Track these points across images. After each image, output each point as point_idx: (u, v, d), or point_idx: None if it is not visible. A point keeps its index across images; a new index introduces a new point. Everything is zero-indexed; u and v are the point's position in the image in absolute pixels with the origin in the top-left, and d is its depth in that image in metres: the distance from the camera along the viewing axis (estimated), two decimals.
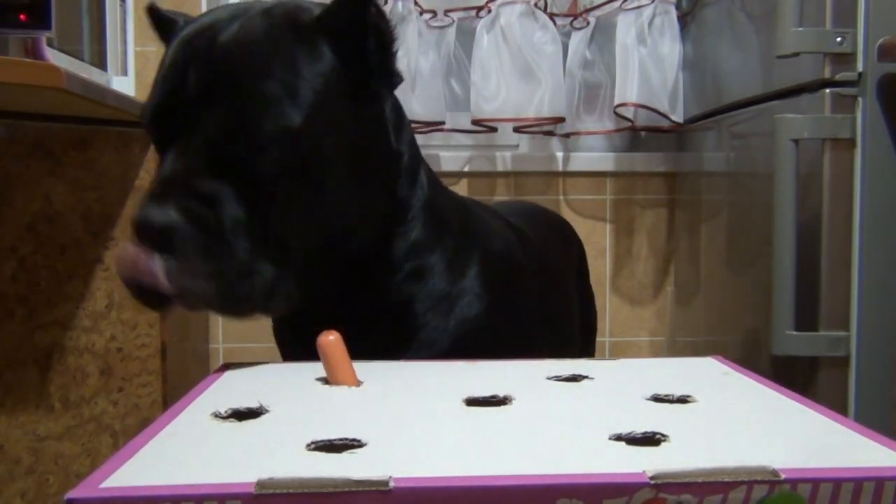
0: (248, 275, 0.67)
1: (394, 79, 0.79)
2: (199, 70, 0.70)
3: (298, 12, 0.75)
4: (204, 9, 1.85)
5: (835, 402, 1.12)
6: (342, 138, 0.74)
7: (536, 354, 0.80)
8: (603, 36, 1.89)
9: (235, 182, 0.68)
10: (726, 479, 0.38)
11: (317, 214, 0.73)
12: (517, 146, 2.01)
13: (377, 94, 0.78)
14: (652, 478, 0.38)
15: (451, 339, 0.82)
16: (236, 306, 0.68)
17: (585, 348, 1.40)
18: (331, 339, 0.59)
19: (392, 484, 0.37)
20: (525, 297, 0.95)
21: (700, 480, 0.38)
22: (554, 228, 1.30)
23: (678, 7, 1.82)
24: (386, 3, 1.80)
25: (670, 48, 1.80)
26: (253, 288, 0.68)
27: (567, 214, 1.96)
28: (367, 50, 0.76)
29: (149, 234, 0.64)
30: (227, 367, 0.65)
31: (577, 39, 1.88)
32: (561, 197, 1.96)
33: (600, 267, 1.97)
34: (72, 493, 0.37)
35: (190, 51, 0.72)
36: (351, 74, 0.75)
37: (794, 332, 1.13)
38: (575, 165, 1.95)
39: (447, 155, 1.93)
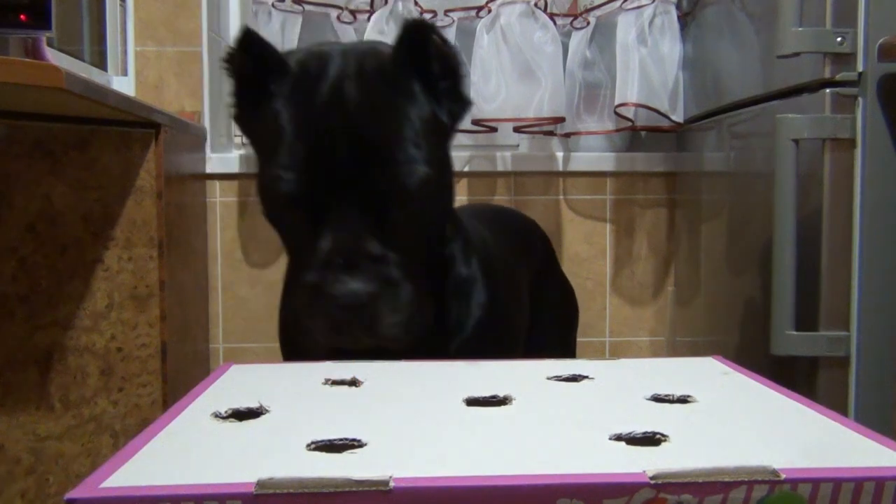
0: (417, 308, 0.79)
1: (465, 104, 0.88)
2: (345, 148, 0.77)
3: (386, 57, 0.83)
4: (204, 11, 1.85)
5: (835, 402, 1.12)
6: (445, 167, 0.86)
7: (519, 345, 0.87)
8: (603, 36, 1.89)
9: (387, 229, 0.78)
10: (726, 479, 0.38)
11: (434, 239, 0.87)
12: (517, 146, 2.01)
13: (450, 118, 0.87)
14: (652, 478, 0.38)
15: (474, 323, 0.92)
16: (414, 333, 0.79)
17: (563, 343, 1.42)
18: None
19: (392, 484, 0.37)
20: (508, 290, 1.05)
21: (700, 480, 0.38)
22: (516, 233, 1.33)
23: (678, 7, 1.82)
24: (386, 2, 1.80)
25: (670, 48, 1.80)
26: (421, 315, 0.80)
27: (567, 214, 1.96)
28: (435, 78, 0.84)
29: (357, 303, 0.74)
30: (228, 367, 0.65)
31: (578, 39, 1.88)
32: (561, 197, 1.96)
33: (600, 267, 1.97)
34: (72, 494, 0.37)
35: (328, 128, 0.78)
36: (434, 110, 0.85)
37: (794, 332, 1.13)
38: (575, 165, 1.95)
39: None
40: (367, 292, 0.74)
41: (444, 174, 0.85)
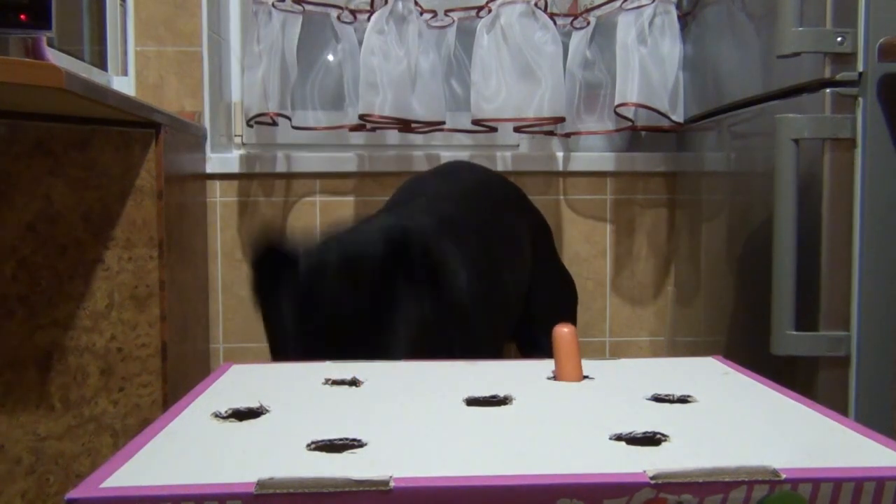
0: None
1: (447, 296, 1.01)
2: (325, 334, 0.90)
3: (375, 259, 0.96)
4: (205, 11, 1.85)
5: (835, 402, 1.12)
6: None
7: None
8: (603, 36, 1.89)
9: None
10: (727, 479, 0.38)
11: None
12: (517, 146, 2.01)
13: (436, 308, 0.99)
14: (652, 478, 0.38)
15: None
16: None
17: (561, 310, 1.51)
18: (565, 332, 0.61)
19: (392, 484, 0.37)
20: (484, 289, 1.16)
21: (700, 480, 0.38)
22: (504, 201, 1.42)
23: (678, 7, 1.82)
24: (386, 2, 1.80)
25: (671, 48, 1.80)
26: None
27: (567, 214, 1.96)
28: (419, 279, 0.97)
29: None
30: (228, 367, 0.65)
31: (578, 39, 1.88)
32: (561, 197, 1.96)
33: (600, 267, 1.97)
34: (72, 493, 0.37)
35: (313, 318, 0.92)
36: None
37: (794, 332, 1.13)
38: (575, 165, 1.95)
39: (447, 155, 1.93)
40: None
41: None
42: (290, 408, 0.52)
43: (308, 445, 0.43)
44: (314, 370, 0.62)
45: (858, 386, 1.12)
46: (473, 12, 1.86)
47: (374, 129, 1.86)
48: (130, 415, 1.41)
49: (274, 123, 1.84)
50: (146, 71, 1.86)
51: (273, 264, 0.99)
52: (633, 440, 0.44)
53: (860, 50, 1.10)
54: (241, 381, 0.60)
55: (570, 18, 1.89)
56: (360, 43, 1.82)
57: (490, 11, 1.83)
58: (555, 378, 0.61)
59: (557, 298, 1.50)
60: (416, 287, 0.99)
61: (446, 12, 1.86)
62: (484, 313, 1.15)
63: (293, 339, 0.91)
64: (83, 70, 1.54)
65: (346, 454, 0.42)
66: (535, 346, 1.44)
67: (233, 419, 0.49)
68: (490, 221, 1.24)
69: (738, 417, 0.50)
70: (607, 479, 0.38)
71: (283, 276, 0.97)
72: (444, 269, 1.02)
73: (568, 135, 1.91)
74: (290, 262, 0.98)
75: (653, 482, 0.38)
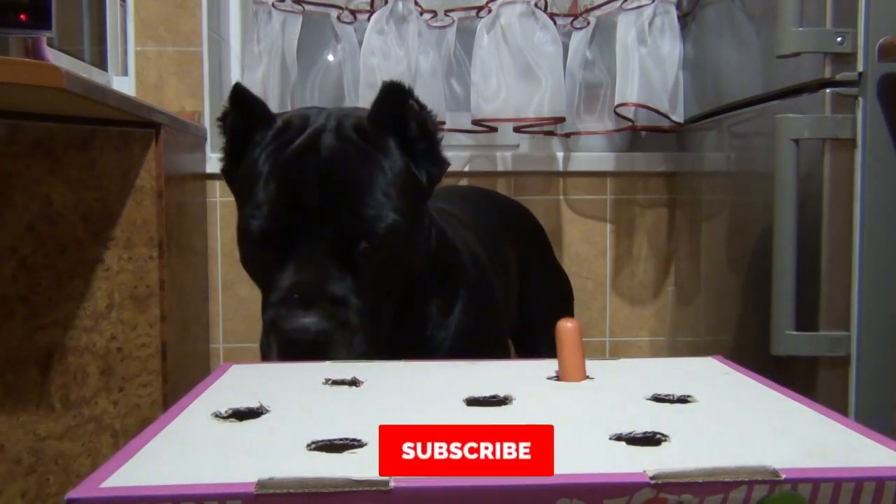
0: (371, 340, 0.83)
1: (441, 165, 0.94)
2: (316, 189, 0.82)
3: (364, 116, 0.89)
4: (205, 11, 1.85)
5: (835, 402, 1.12)
6: (418, 221, 0.90)
7: None
8: (603, 36, 1.89)
9: (352, 273, 0.82)
10: (727, 479, 0.38)
11: (404, 282, 0.90)
12: (517, 146, 2.01)
13: (427, 178, 0.93)
14: (652, 478, 0.38)
15: (451, 341, 0.97)
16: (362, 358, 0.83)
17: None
18: (569, 326, 0.61)
19: (392, 484, 0.37)
20: (489, 293, 1.12)
21: (700, 480, 0.38)
22: (499, 216, 1.39)
23: (678, 7, 1.82)
24: (386, 2, 1.80)
25: (670, 48, 1.80)
26: (371, 345, 0.83)
27: (567, 214, 1.96)
28: (411, 139, 0.91)
29: (305, 339, 0.78)
30: (228, 367, 0.65)
31: (578, 39, 1.88)
32: (561, 197, 1.96)
33: (600, 267, 1.97)
34: (72, 494, 0.37)
35: (301, 170, 0.83)
36: (409, 166, 0.90)
37: (794, 332, 1.13)
38: (575, 165, 1.95)
39: (447, 155, 1.93)
40: (317, 329, 0.78)
41: (416, 226, 0.90)
42: (290, 408, 0.52)
43: (308, 445, 0.43)
44: (314, 370, 0.62)
45: (858, 386, 1.12)
46: (473, 12, 1.86)
47: None
48: (130, 415, 1.41)
49: None
50: (146, 71, 1.86)
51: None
52: (633, 440, 0.44)
53: (860, 50, 1.10)
54: (241, 381, 0.60)
55: (570, 18, 1.89)
56: (360, 43, 1.82)
57: (490, 11, 1.83)
58: (557, 376, 0.61)
59: (554, 302, 1.50)
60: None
61: (446, 12, 1.86)
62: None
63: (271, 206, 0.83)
64: (83, 70, 1.54)
65: (346, 454, 0.42)
66: (534, 350, 1.43)
67: (233, 419, 0.49)
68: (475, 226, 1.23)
69: (738, 417, 0.50)
70: (607, 479, 0.38)
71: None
72: (436, 128, 0.97)
73: (568, 135, 1.91)
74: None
75: (653, 482, 0.38)
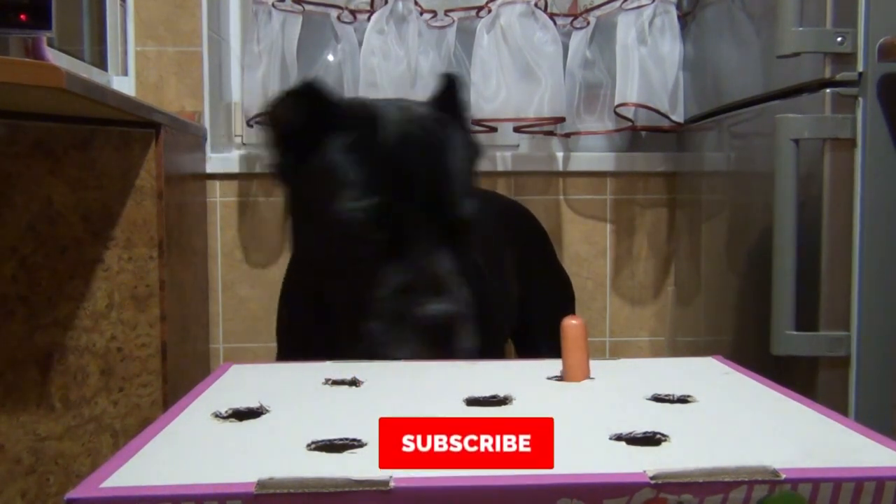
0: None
1: (480, 151, 0.99)
2: (420, 177, 0.83)
3: (430, 107, 0.93)
4: (205, 11, 1.85)
5: (835, 402, 1.12)
6: None
7: None
8: (603, 36, 1.89)
9: (454, 258, 0.84)
10: (727, 479, 0.38)
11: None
12: (517, 146, 2.00)
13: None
14: (652, 478, 0.38)
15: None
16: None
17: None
18: (574, 324, 0.61)
19: (392, 484, 0.37)
20: (491, 283, 1.15)
21: (700, 480, 0.38)
22: (499, 217, 1.41)
23: (678, 7, 1.82)
24: (386, 2, 1.80)
25: (671, 48, 1.80)
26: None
27: (567, 214, 1.96)
28: (465, 127, 0.95)
29: (444, 325, 0.78)
30: (227, 367, 0.65)
31: (578, 39, 1.88)
32: (561, 197, 1.96)
33: (600, 267, 1.97)
34: (72, 494, 0.37)
35: (402, 159, 0.84)
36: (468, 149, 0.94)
37: (794, 332, 1.13)
38: (575, 165, 1.95)
39: None
40: (453, 315, 0.78)
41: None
42: (290, 408, 0.52)
43: (308, 445, 0.44)
44: (314, 370, 0.62)
45: (858, 386, 1.12)
46: (473, 12, 1.86)
47: None
48: (130, 415, 1.41)
49: None
50: (146, 71, 1.86)
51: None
52: (633, 440, 0.44)
53: (860, 50, 1.10)
54: (241, 381, 0.60)
55: (570, 18, 1.89)
56: (360, 43, 1.82)
57: (490, 11, 1.83)
58: (557, 376, 0.61)
59: (554, 302, 1.49)
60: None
61: (446, 12, 1.86)
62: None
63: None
64: (83, 70, 1.54)
65: (346, 454, 0.42)
66: (534, 351, 1.43)
67: (233, 419, 0.49)
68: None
69: (738, 417, 0.50)
70: (607, 479, 0.38)
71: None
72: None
73: (568, 135, 1.91)
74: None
75: (653, 482, 0.38)
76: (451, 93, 0.96)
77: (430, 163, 0.85)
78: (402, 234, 0.82)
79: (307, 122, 0.88)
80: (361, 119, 0.88)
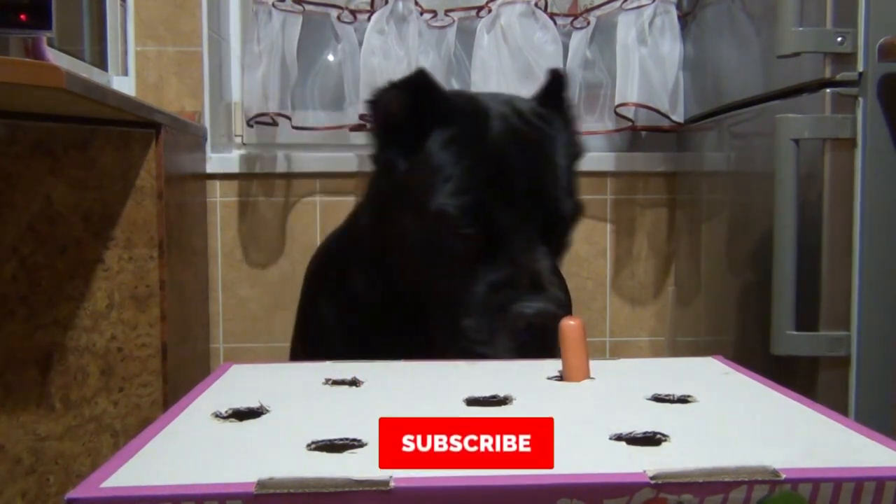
0: None
1: (582, 151, 0.97)
2: (526, 174, 0.83)
3: (534, 103, 0.93)
4: (205, 11, 1.85)
5: (835, 402, 1.12)
6: None
7: None
8: (603, 36, 1.89)
9: (551, 257, 0.84)
10: (727, 479, 0.38)
11: None
12: None
13: None
14: (652, 478, 0.38)
15: None
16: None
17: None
18: (572, 325, 0.61)
19: (392, 484, 0.37)
20: None
21: (700, 480, 0.38)
22: None
23: (678, 7, 1.82)
24: (386, 2, 1.80)
25: (671, 48, 1.80)
26: None
27: None
28: (568, 125, 0.94)
29: (547, 325, 0.75)
30: (227, 367, 0.65)
31: (578, 39, 1.88)
32: None
33: (600, 267, 1.97)
34: (72, 494, 0.37)
35: (509, 156, 0.83)
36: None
37: (794, 332, 1.13)
38: None
39: None
40: (556, 314, 0.76)
41: None
42: (290, 408, 0.52)
43: (308, 445, 0.43)
44: (314, 370, 0.62)
45: (858, 386, 1.12)
46: (473, 12, 1.86)
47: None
48: (130, 415, 1.41)
49: (274, 123, 1.84)
50: (146, 71, 1.86)
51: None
52: (633, 440, 0.44)
53: (860, 50, 1.10)
54: (241, 381, 0.60)
55: (570, 18, 1.89)
56: (361, 43, 1.82)
57: (490, 11, 1.83)
58: (557, 376, 0.61)
59: None
60: None
61: (446, 12, 1.86)
62: None
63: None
64: (83, 70, 1.54)
65: (346, 454, 0.42)
66: None
67: (233, 419, 0.49)
68: None
69: (738, 417, 0.50)
70: (607, 479, 0.38)
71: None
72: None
73: None
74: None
75: (653, 482, 0.38)
76: (556, 89, 0.94)
77: (534, 159, 0.84)
78: (502, 231, 0.81)
79: (411, 114, 0.86)
80: (466, 112, 0.87)
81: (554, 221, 0.85)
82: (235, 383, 0.60)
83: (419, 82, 0.87)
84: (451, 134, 0.84)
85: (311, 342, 1.03)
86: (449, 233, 0.82)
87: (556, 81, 0.94)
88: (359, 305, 0.95)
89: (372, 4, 1.83)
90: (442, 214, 0.81)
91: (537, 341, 0.76)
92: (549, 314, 0.76)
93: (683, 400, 0.54)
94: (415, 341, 0.85)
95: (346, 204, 1.91)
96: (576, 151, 0.94)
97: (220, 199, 1.90)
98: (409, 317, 0.89)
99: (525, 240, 0.81)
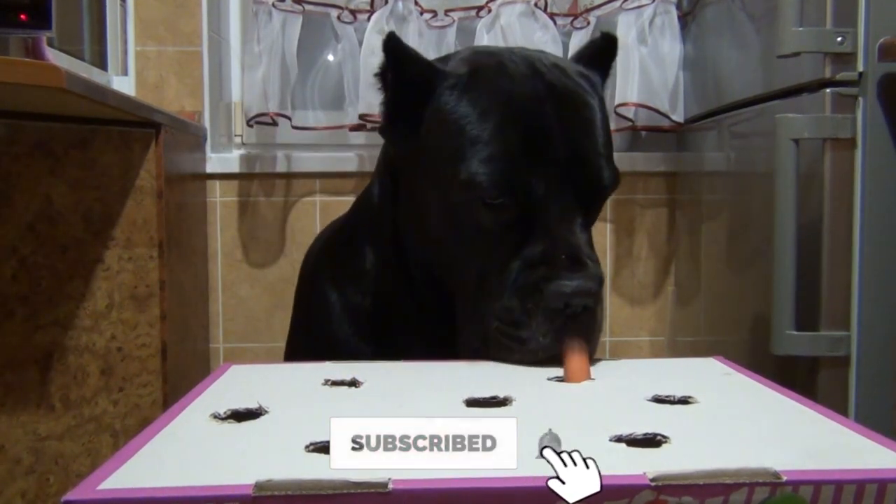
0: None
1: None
2: (564, 141, 0.74)
3: (576, 63, 0.86)
4: (205, 11, 1.85)
5: (835, 402, 1.12)
6: None
7: None
8: None
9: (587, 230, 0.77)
10: (727, 481, 0.38)
11: None
12: None
13: None
14: (653, 479, 0.38)
15: None
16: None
17: None
18: None
19: (391, 486, 0.37)
20: None
21: (701, 482, 0.38)
22: None
23: (679, 7, 1.82)
24: (386, 2, 1.80)
25: (671, 48, 1.80)
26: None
27: None
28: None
29: (587, 304, 0.70)
30: (227, 367, 0.65)
31: (578, 39, 1.88)
32: None
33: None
34: (70, 495, 0.37)
35: (544, 120, 0.74)
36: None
37: (795, 332, 1.13)
38: None
39: None
40: (596, 292, 0.70)
41: None
42: (289, 409, 0.52)
43: (307, 447, 0.43)
44: (314, 370, 0.62)
45: (858, 386, 1.12)
46: (473, 12, 1.86)
47: (374, 129, 1.85)
48: (130, 415, 1.41)
49: (274, 123, 1.84)
50: (146, 71, 1.86)
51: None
52: (633, 441, 0.44)
53: (860, 50, 1.10)
54: (241, 381, 0.60)
55: (570, 18, 1.89)
56: (360, 43, 1.82)
57: (490, 11, 1.83)
58: (558, 376, 0.61)
59: None
60: None
61: (446, 12, 1.86)
62: None
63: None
64: (83, 70, 1.54)
65: None
66: None
67: (231, 420, 0.49)
68: None
69: (738, 418, 0.50)
70: (607, 481, 0.38)
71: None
72: None
73: None
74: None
75: (653, 484, 0.38)
76: (602, 54, 0.87)
77: (573, 119, 0.75)
78: (538, 201, 0.73)
79: (404, 80, 0.78)
80: (476, 73, 0.77)
81: (594, 191, 0.77)
82: (234, 384, 0.60)
83: (391, 48, 0.78)
84: (457, 96, 0.76)
85: (315, 333, 0.95)
86: (477, 204, 0.73)
87: (608, 46, 0.86)
88: (371, 292, 0.88)
89: (372, 4, 1.83)
90: (469, 184, 0.72)
91: (576, 323, 0.68)
92: (591, 292, 0.69)
93: (684, 401, 0.54)
94: (433, 329, 0.80)
95: (346, 204, 1.90)
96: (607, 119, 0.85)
97: (220, 199, 1.90)
98: (425, 305, 0.83)
99: (562, 211, 0.73)
